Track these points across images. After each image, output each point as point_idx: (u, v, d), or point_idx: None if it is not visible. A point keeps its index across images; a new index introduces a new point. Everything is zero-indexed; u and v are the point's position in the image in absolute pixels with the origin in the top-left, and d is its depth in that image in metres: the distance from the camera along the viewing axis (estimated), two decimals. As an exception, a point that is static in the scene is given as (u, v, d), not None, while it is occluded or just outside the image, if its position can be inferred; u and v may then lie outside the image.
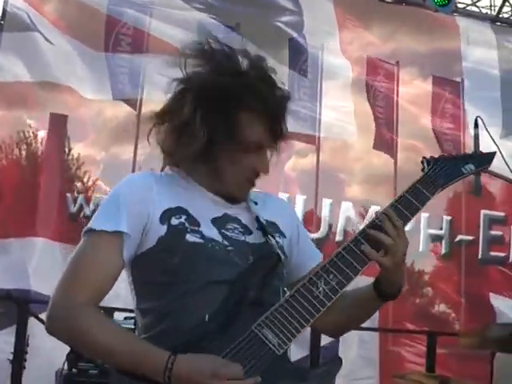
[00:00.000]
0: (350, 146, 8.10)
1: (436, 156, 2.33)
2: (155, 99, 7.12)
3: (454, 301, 8.05)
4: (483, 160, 2.42)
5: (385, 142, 8.16)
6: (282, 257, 2.17)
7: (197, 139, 2.13)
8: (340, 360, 2.10)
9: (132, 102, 7.44)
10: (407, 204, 2.18)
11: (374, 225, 2.12)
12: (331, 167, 7.93)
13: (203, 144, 2.13)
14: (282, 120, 2.21)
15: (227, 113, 2.14)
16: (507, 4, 8.90)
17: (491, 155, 2.44)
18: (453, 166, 2.32)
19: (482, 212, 8.27)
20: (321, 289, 2.04)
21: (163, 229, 2.10)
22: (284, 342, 1.99)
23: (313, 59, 8.00)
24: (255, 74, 2.18)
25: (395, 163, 8.03)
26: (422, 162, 2.31)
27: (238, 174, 2.19)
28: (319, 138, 7.79)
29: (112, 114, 7.67)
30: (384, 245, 2.09)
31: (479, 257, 8.23)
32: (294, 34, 8.02)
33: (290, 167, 7.88)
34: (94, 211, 6.98)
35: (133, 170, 7.07)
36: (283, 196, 6.94)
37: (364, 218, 7.72)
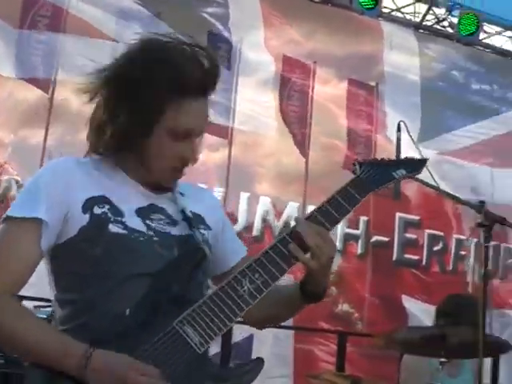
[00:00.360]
0: (266, 142, 7.99)
1: (368, 159, 2.33)
2: (69, 82, 6.93)
3: (358, 301, 8.04)
4: (414, 166, 2.42)
5: (297, 141, 8.10)
6: (207, 251, 2.11)
7: (120, 129, 2.05)
8: (261, 360, 2.05)
9: (44, 85, 7.17)
10: (337, 206, 2.16)
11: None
12: (243, 161, 7.79)
13: (127, 132, 2.05)
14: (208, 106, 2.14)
15: (152, 100, 2.04)
16: (431, 12, 9.00)
17: (423, 162, 2.45)
18: (384, 170, 2.31)
19: (398, 215, 8.35)
20: (246, 287, 2.01)
21: (85, 218, 2.02)
22: (206, 341, 1.94)
23: (235, 52, 7.90)
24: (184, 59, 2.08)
25: (306, 162, 7.98)
26: (354, 164, 2.28)
27: (164, 163, 2.11)
28: (232, 128, 7.67)
29: (23, 96, 7.37)
30: (308, 249, 2.05)
31: (393, 259, 8.30)
32: (220, 26, 7.92)
33: (200, 161, 7.70)
34: (1, 194, 6.72)
35: (42, 155, 6.85)
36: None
37: (280, 216, 7.67)
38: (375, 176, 2.26)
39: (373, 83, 8.66)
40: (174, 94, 2.04)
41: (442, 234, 8.61)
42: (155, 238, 2.07)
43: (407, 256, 8.40)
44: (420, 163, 2.44)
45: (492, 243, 3.68)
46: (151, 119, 2.05)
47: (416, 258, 8.44)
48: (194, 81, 2.05)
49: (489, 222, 3.64)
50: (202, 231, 2.20)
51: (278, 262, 2.05)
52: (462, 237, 8.62)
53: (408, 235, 8.43)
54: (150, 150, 2.09)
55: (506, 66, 9.47)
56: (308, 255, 2.07)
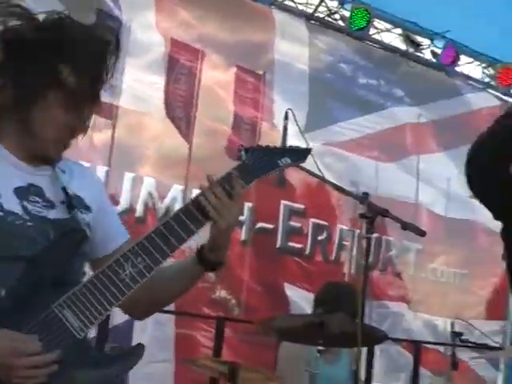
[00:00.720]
0: (152, 123, 7.82)
1: (253, 146, 2.37)
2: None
3: (237, 287, 7.97)
4: (299, 155, 2.50)
5: (181, 124, 7.98)
6: (88, 233, 2.08)
7: (9, 88, 2.02)
8: (142, 346, 2.06)
9: None
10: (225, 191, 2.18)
11: (193, 204, 2.13)
12: (128, 142, 7.60)
13: (17, 94, 2.02)
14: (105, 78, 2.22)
15: (47, 63, 2.03)
16: (323, 4, 9.07)
17: (307, 151, 2.53)
18: (269, 158, 2.36)
19: (283, 202, 8.36)
20: (127, 271, 1.99)
21: None
22: (85, 325, 1.93)
23: (125, 31, 7.70)
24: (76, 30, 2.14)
25: (190, 145, 7.88)
26: (240, 150, 2.32)
27: (53, 132, 2.06)
28: (118, 108, 7.48)
29: None
30: (217, 207, 2.11)
31: (277, 246, 8.32)
32: (110, 3, 7.68)
33: (84, 139, 7.48)
34: None
35: None
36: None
37: (163, 199, 7.58)
38: (260, 163, 2.31)
39: (260, 72, 8.64)
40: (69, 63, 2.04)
41: (326, 223, 8.68)
42: (30, 224, 2.01)
43: (291, 244, 8.41)
44: (304, 152, 2.52)
45: (374, 235, 3.74)
46: (44, 83, 2.03)
47: (300, 246, 8.46)
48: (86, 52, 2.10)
49: (372, 213, 3.70)
50: (82, 214, 2.15)
51: (162, 247, 2.04)
52: (346, 227, 8.75)
53: (292, 223, 8.43)
54: (38, 119, 2.04)
55: (394, 63, 9.65)
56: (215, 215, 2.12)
